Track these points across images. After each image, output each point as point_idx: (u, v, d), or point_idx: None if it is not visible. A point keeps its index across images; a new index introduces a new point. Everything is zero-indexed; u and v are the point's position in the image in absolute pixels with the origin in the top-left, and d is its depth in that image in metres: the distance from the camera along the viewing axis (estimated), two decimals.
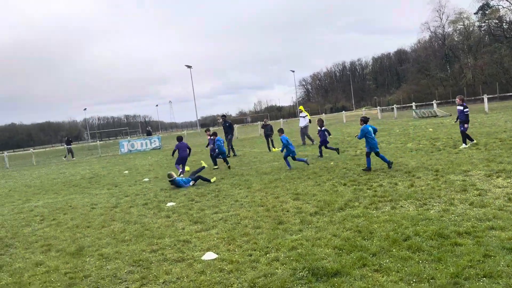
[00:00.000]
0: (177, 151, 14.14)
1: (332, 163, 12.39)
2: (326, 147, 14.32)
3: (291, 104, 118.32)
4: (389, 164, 10.23)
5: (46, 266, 5.72)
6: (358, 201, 7.37)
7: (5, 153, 33.37)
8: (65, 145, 32.76)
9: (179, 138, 14.45)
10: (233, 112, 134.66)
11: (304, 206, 7.47)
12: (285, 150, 12.39)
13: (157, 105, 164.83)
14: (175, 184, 11.34)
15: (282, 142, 12.43)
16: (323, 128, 14.50)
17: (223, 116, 22.32)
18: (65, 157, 31.57)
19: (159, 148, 32.17)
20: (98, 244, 6.50)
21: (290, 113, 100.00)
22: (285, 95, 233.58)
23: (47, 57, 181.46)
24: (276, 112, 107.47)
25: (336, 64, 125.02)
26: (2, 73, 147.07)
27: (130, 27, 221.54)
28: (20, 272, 5.55)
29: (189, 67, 78.95)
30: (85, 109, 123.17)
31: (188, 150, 14.29)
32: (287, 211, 7.26)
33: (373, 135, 10.37)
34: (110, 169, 19.46)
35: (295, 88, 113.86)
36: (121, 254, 5.88)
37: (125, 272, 5.14)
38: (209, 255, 5.32)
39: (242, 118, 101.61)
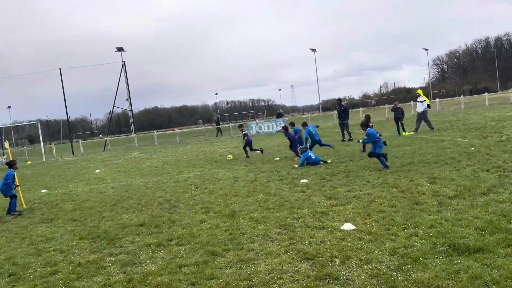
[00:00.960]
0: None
1: (472, 148, 11.61)
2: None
3: (422, 85, 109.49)
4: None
5: (208, 223, 6.94)
6: (503, 187, 7.00)
7: (155, 132, 38.73)
8: (215, 125, 36.23)
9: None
10: (356, 95, 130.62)
11: (442, 189, 7.39)
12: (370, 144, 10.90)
13: (280, 89, 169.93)
14: (307, 158, 12.13)
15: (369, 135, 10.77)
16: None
17: (339, 100, 22.20)
18: (216, 136, 34.76)
19: None
20: (247, 210, 7.55)
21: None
22: (415, 75, 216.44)
23: (183, 47, 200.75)
24: (404, 94, 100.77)
25: (478, 40, 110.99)
26: (146, 62, 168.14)
27: (255, 13, 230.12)
28: (189, 227, 6.87)
29: (313, 50, 79.17)
30: (216, 94, 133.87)
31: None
32: (423, 193, 7.29)
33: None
34: (242, 149, 21.24)
35: (428, 68, 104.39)
36: (268, 218, 6.79)
37: (274, 233, 5.98)
38: (348, 226, 5.82)
39: (366, 101, 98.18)
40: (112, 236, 6.75)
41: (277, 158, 14.98)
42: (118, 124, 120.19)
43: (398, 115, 18.87)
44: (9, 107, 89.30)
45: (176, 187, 11.19)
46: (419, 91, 20.14)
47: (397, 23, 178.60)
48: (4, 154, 35.05)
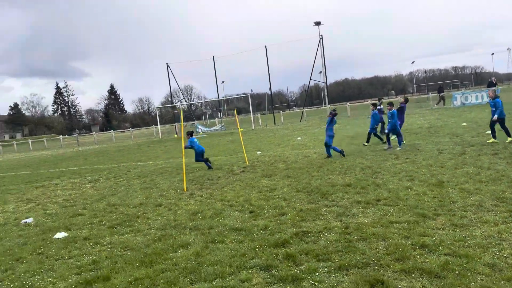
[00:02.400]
0: None
1: None
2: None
3: None
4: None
5: (414, 190, 7.14)
6: None
7: (347, 104, 39.36)
8: (437, 92, 34.37)
9: None
10: None
11: None
12: None
13: (492, 54, 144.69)
14: None
15: None
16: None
17: None
18: (437, 104, 32.87)
19: None
20: (456, 181, 7.37)
21: None
22: None
23: (375, 14, 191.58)
24: None
25: None
26: (338, 34, 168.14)
27: None
28: (395, 191, 7.22)
29: None
30: (413, 62, 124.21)
31: None
32: None
33: None
34: (446, 121, 19.71)
35: None
36: (481, 191, 6.53)
37: (490, 205, 5.78)
38: None
39: None
40: (324, 191, 7.73)
41: (489, 132, 13.46)
42: (310, 96, 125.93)
43: None
44: (222, 82, 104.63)
45: (375, 155, 11.55)
46: None
47: None
48: (222, 122, 41.92)
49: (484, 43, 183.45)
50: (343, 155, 11.80)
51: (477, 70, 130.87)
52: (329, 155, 12.12)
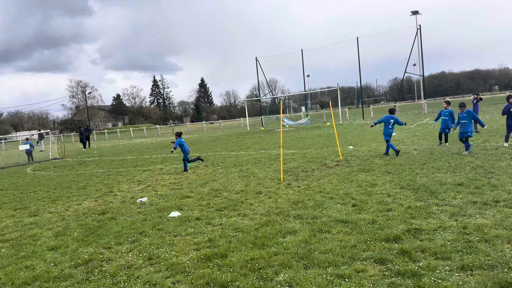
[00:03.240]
0: None
1: None
2: None
3: None
4: None
5: None
6: None
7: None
8: None
9: None
10: None
11: None
12: None
13: None
14: None
15: None
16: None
17: None
18: None
19: None
20: None
21: None
22: None
23: (477, 5, 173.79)
24: None
25: None
26: (435, 24, 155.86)
27: None
28: None
29: None
30: None
31: None
32: None
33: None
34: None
35: None
36: None
37: None
38: None
39: None
40: (432, 190, 7.36)
41: None
42: (401, 90, 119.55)
43: None
44: (307, 75, 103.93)
45: (486, 155, 10.65)
46: None
47: None
48: (308, 116, 41.80)
49: None
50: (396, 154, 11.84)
51: None
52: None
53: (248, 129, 39.79)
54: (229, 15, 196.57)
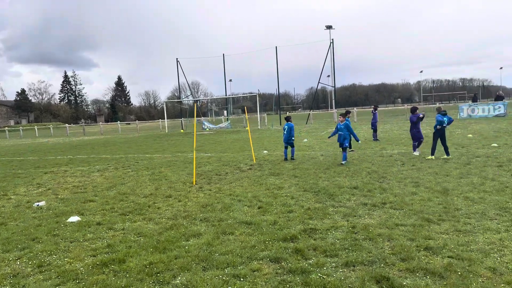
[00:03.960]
0: None
1: None
2: None
3: None
4: None
5: (420, 196, 7.31)
6: None
7: (355, 109, 39.47)
8: (471, 101, 34.33)
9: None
10: None
11: None
12: None
13: (501, 68, 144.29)
14: None
15: None
16: None
17: None
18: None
19: (504, 115, 29.15)
20: (461, 190, 7.54)
21: None
22: None
23: (387, 21, 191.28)
24: None
25: None
26: (347, 39, 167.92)
27: None
28: (400, 196, 7.39)
29: None
30: (421, 71, 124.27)
31: None
32: None
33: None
34: (452, 131, 19.83)
35: None
36: (485, 200, 6.69)
37: (493, 213, 5.95)
38: None
39: None
40: (331, 192, 7.92)
41: (495, 144, 13.62)
42: (316, 99, 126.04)
43: None
44: (230, 80, 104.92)
45: (381, 161, 11.72)
46: None
47: None
48: (228, 120, 42.15)
49: (493, 57, 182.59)
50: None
51: (484, 83, 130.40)
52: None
53: (167, 131, 38.89)
54: (147, 13, 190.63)
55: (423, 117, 12.58)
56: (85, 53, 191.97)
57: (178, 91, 54.18)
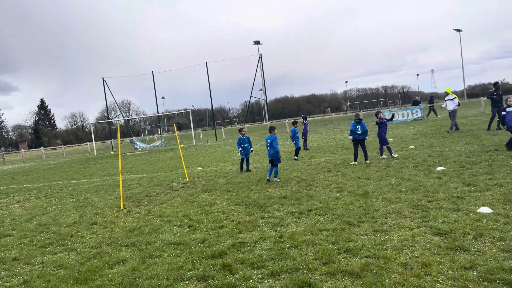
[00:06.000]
0: None
1: None
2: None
3: None
4: None
5: (343, 200, 7.69)
6: None
7: (286, 120, 40.63)
8: (428, 103, 35.68)
9: None
10: (510, 79, 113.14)
11: None
12: None
13: (417, 75, 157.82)
14: None
15: None
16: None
17: (496, 83, 19.56)
18: (427, 116, 33.66)
19: (421, 119, 31.76)
20: (380, 191, 8.06)
21: None
22: None
23: (313, 35, 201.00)
24: None
25: None
26: (278, 53, 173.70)
27: None
28: (325, 201, 7.72)
29: (458, 31, 71.45)
30: (346, 81, 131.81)
31: None
32: None
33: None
34: (375, 137, 21.15)
35: None
36: (401, 199, 7.21)
37: (407, 212, 6.43)
38: (484, 209, 5.93)
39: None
40: (261, 204, 8.04)
41: (412, 147, 14.76)
42: (251, 112, 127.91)
43: None
44: (162, 97, 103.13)
45: (310, 169, 12.16)
46: (448, 89, 19.26)
47: None
48: (162, 138, 41.23)
49: (410, 65, 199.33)
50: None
51: (404, 90, 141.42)
52: None
53: (96, 154, 37.05)
54: (69, 31, 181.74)
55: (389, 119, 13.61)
56: (3, 77, 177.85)
57: (106, 111, 52.05)
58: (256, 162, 15.68)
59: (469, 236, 4.98)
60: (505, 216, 5.55)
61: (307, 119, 20.40)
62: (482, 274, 3.95)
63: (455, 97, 18.66)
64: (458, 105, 18.66)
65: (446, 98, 19.09)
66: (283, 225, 6.44)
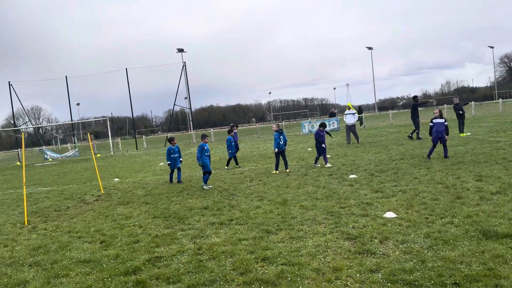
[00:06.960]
0: None
1: None
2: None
3: (488, 85, 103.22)
4: None
5: (263, 209, 7.81)
6: None
7: (211, 130, 40.52)
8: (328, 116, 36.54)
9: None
10: (415, 94, 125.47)
11: (486, 186, 7.69)
12: None
13: (334, 88, 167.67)
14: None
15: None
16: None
17: (415, 96, 20.86)
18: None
19: (337, 130, 33.71)
20: (298, 199, 8.33)
21: (486, 95, 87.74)
22: (479, 75, 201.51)
23: (238, 46, 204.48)
24: (468, 94, 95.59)
25: None
26: (203, 62, 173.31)
27: (308, 12, 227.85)
28: (246, 211, 7.77)
29: (369, 48, 77.69)
30: (270, 92, 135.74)
31: None
32: (467, 189, 7.64)
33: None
34: (295, 146, 21.97)
35: (493, 67, 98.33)
36: (316, 207, 7.52)
37: (322, 218, 6.72)
38: (390, 214, 6.42)
39: (425, 100, 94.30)
40: (181, 216, 7.84)
41: (328, 156, 15.55)
42: (176, 121, 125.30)
43: (459, 111, 18.75)
44: (78, 104, 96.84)
45: (233, 178, 12.20)
46: (349, 104, 21.26)
47: (460, 19, 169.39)
48: (76, 147, 38.57)
49: (328, 78, 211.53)
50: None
51: (323, 102, 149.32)
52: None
53: None
54: None
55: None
56: None
57: (13, 118, 47.33)
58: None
59: (376, 240, 5.34)
60: (407, 220, 6.06)
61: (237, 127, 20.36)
62: (386, 276, 4.24)
63: (355, 112, 20.14)
64: (358, 120, 20.20)
65: (346, 112, 20.38)
66: (202, 237, 6.34)
